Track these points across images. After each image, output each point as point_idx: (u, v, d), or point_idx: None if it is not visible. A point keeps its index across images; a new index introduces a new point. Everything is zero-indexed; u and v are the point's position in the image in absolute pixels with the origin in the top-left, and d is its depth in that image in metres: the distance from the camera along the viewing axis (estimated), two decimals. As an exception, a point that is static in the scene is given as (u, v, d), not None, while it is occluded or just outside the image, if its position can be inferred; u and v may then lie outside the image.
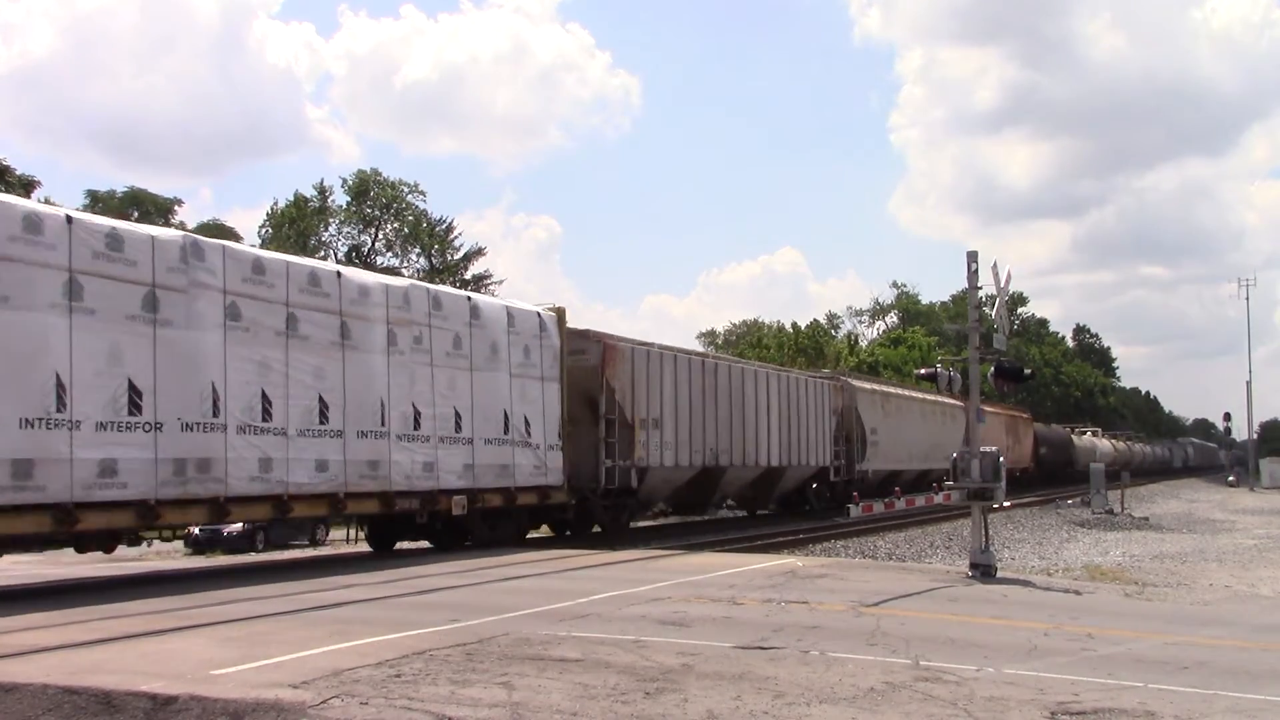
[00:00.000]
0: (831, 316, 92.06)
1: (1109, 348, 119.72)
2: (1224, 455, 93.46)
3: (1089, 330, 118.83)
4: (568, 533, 22.26)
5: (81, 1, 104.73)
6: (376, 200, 56.39)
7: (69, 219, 12.84)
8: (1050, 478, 56.28)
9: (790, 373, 32.10)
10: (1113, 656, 8.86)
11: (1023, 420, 53.41)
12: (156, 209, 56.06)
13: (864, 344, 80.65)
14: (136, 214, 52.85)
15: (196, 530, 17.49)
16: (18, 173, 37.88)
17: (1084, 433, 70.06)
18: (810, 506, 32.33)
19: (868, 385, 35.94)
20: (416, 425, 17.01)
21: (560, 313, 20.88)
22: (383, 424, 16.40)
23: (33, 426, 12.01)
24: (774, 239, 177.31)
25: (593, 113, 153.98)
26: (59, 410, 12.21)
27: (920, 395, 38.92)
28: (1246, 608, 13.51)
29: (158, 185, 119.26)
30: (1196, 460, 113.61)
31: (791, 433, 29.40)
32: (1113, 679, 7.80)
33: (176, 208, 58.12)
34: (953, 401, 37.92)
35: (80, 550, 14.28)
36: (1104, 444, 70.34)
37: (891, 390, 37.63)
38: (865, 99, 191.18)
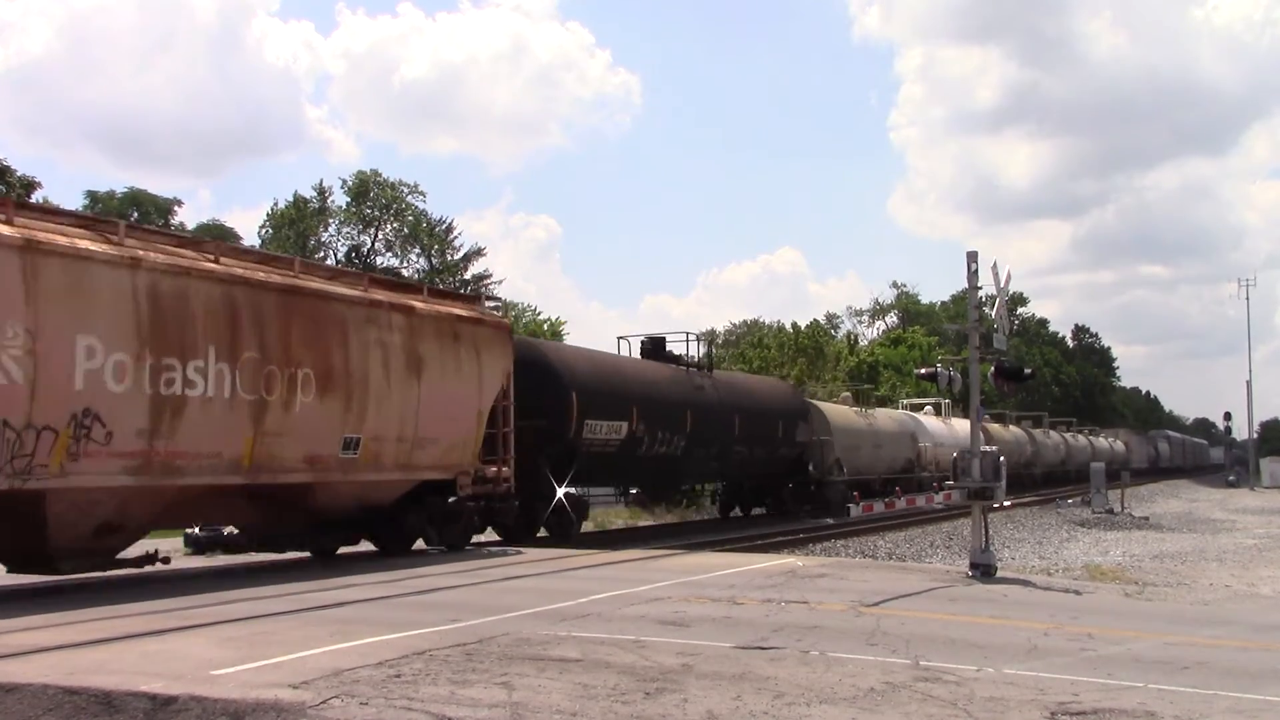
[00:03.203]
0: (831, 316, 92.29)
1: (1109, 347, 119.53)
2: (1222, 454, 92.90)
3: (1089, 330, 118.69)
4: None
5: (78, 0, 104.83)
6: (376, 201, 56.38)
7: None
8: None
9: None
10: (1113, 656, 8.86)
11: (452, 321, 17.03)
12: (156, 209, 56.03)
13: (864, 344, 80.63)
14: (136, 214, 52.86)
15: (197, 530, 17.43)
16: (18, 174, 37.76)
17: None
18: (787, 508, 32.05)
19: None
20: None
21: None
22: None
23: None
24: (774, 239, 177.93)
25: (593, 111, 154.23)
26: None
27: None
28: (1246, 607, 13.53)
29: (157, 185, 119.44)
30: (1175, 459, 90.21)
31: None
32: (1113, 679, 7.80)
33: (176, 208, 58.10)
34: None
35: None
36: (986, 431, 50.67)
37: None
38: (865, 98, 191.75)
